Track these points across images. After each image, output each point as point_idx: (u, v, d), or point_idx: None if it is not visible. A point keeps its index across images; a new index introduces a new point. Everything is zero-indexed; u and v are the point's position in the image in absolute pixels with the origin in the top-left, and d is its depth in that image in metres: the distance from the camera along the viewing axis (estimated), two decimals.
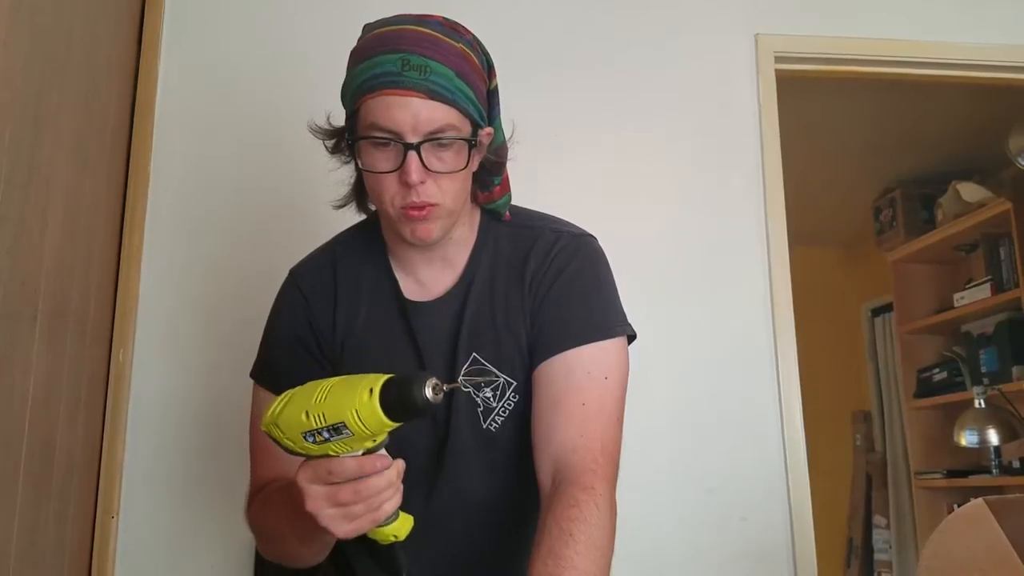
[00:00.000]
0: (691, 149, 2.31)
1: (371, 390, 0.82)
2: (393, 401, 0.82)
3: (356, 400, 0.83)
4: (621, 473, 1.11)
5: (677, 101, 2.33)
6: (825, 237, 4.75)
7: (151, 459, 1.99)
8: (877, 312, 4.76)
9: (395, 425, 0.84)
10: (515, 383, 1.15)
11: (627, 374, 1.15)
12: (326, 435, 0.85)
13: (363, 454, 0.87)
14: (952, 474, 3.83)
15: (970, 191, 3.79)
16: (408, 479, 1.17)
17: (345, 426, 0.84)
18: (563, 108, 2.28)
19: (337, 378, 0.88)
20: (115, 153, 2.00)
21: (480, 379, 1.16)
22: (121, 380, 1.99)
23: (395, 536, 0.93)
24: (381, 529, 0.92)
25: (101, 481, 1.93)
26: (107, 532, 1.91)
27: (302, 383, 1.16)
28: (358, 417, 0.83)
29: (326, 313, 1.19)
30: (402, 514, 0.93)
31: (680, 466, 2.14)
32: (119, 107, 2.02)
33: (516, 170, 1.25)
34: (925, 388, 4.08)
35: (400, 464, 0.90)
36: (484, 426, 1.16)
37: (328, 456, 0.88)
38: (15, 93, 1.37)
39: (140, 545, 1.93)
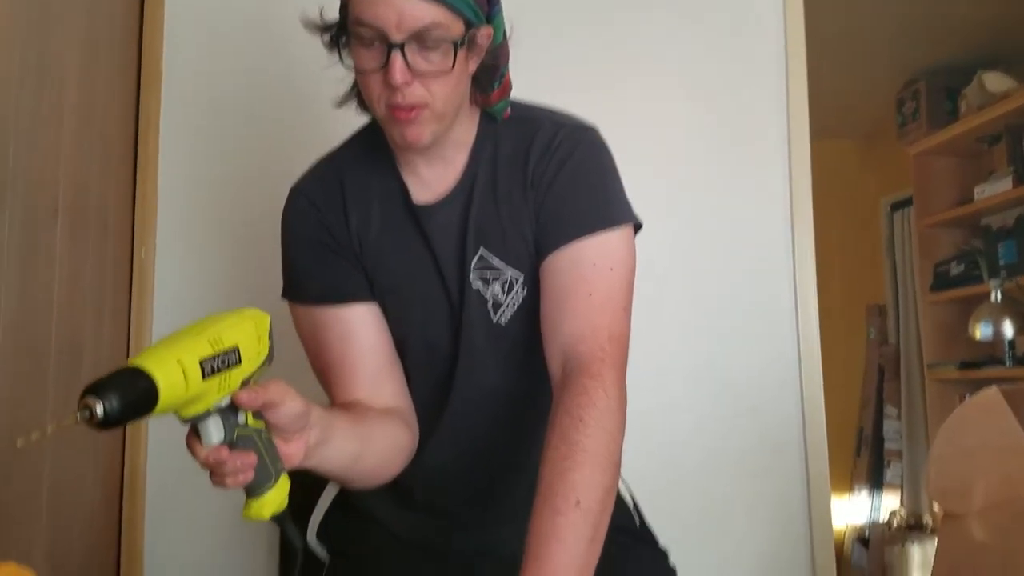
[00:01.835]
0: (711, 38, 2.25)
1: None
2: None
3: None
4: (634, 365, 1.12)
5: None
6: (846, 130, 4.68)
7: None
8: (896, 207, 4.72)
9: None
10: (522, 277, 1.16)
11: (634, 263, 1.15)
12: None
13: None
14: (965, 366, 3.86)
15: (995, 81, 3.70)
16: (431, 373, 1.21)
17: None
18: None
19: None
20: (126, 47, 1.97)
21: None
22: (145, 277, 2.00)
23: (260, 515, 0.88)
24: (249, 503, 0.88)
25: None
26: (138, 425, 1.96)
27: (334, 283, 1.18)
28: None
29: (338, 217, 1.18)
30: (266, 497, 0.87)
31: (693, 358, 2.17)
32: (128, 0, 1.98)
33: (522, 61, 1.21)
34: (942, 281, 4.08)
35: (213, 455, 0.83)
36: (494, 320, 1.17)
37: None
38: None
39: (171, 440, 1.97)
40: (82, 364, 1.63)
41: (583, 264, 1.10)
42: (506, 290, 1.16)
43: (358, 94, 1.15)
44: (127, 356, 1.96)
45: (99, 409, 0.69)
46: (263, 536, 1.91)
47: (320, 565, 1.30)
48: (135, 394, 0.71)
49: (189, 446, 0.84)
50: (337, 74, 1.14)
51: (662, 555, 1.33)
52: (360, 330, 1.17)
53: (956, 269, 4.00)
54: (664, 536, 1.35)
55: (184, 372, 0.75)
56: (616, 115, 2.06)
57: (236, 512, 1.92)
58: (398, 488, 1.20)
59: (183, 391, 0.75)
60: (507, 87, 1.18)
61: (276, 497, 0.88)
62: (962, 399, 3.61)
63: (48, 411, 1.44)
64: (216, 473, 0.84)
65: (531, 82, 1.35)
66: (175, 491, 1.97)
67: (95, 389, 0.70)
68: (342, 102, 1.18)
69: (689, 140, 2.23)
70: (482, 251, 1.15)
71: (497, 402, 1.21)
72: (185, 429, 0.84)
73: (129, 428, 1.95)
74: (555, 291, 1.11)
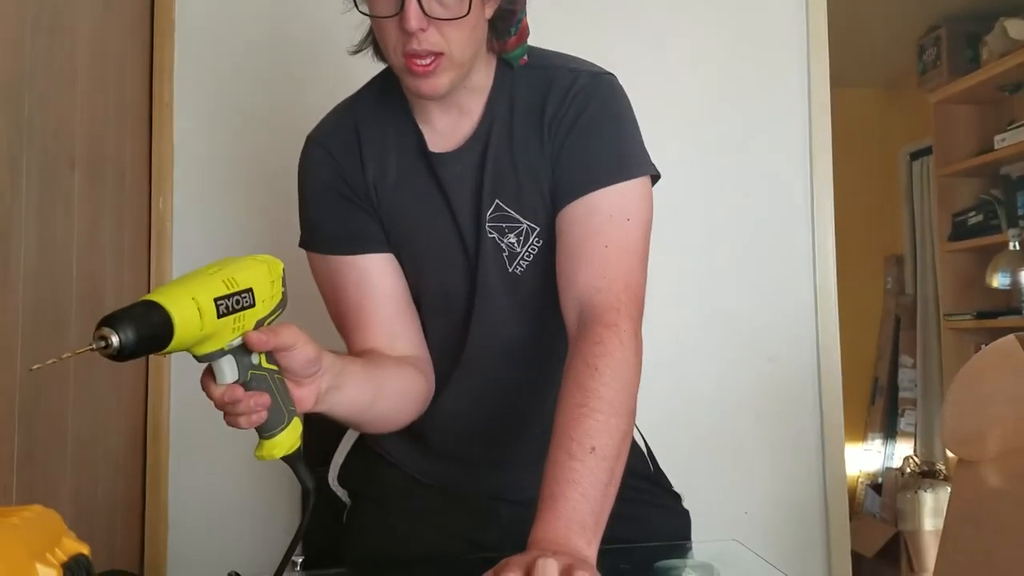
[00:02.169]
0: None
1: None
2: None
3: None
4: (650, 314, 1.12)
5: None
6: (866, 78, 4.61)
7: None
8: (916, 156, 4.68)
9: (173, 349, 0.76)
10: (538, 228, 1.16)
11: (650, 214, 1.15)
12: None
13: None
14: (982, 315, 3.85)
15: (1018, 28, 3.62)
16: (447, 321, 1.22)
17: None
18: None
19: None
20: None
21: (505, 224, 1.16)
22: (163, 228, 2.02)
23: (271, 455, 0.90)
24: (261, 443, 0.90)
25: None
26: (160, 370, 1.99)
27: (351, 233, 1.18)
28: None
29: (354, 167, 1.18)
30: (278, 438, 0.89)
31: (710, 306, 2.18)
32: None
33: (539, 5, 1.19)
34: (960, 231, 4.05)
35: (230, 393, 0.85)
36: (510, 270, 1.17)
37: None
38: None
39: (193, 383, 1.98)
40: (104, 310, 1.65)
41: (599, 215, 1.10)
42: (522, 241, 1.16)
43: (374, 42, 1.14)
44: None
45: (114, 340, 0.70)
46: (286, 479, 1.94)
47: (342, 507, 1.33)
48: (150, 328, 0.72)
49: (204, 386, 0.86)
50: (353, 20, 1.13)
51: (675, 499, 1.34)
52: (376, 279, 1.18)
53: (974, 218, 3.97)
54: (678, 482, 1.37)
55: (199, 309, 0.76)
56: (633, 63, 2.04)
57: None
58: (414, 433, 1.22)
59: (198, 328, 0.76)
60: (524, 33, 1.17)
61: (288, 438, 0.89)
62: (978, 348, 3.60)
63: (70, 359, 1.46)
64: (230, 413, 0.86)
65: (548, 27, 1.33)
66: (198, 436, 2.00)
67: (111, 321, 0.71)
68: (357, 49, 1.18)
69: (708, 88, 2.21)
70: (497, 203, 1.15)
71: (512, 351, 1.22)
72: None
73: (152, 374, 1.98)
74: (571, 242, 1.11)
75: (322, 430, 1.19)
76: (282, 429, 0.89)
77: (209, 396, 0.86)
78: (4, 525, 0.59)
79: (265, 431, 0.88)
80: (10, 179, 1.22)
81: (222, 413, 0.87)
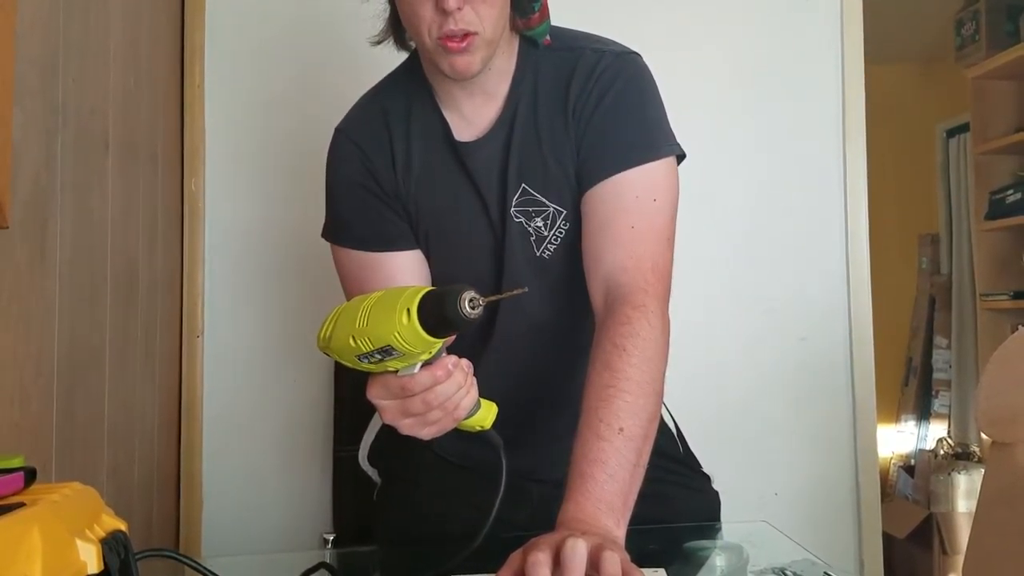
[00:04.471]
0: None
1: (408, 311, 0.80)
2: (432, 320, 0.80)
3: (396, 323, 0.80)
4: (681, 293, 1.12)
5: None
6: (902, 54, 4.53)
7: (231, 282, 2.07)
8: (952, 133, 4.60)
9: (442, 341, 0.84)
10: (565, 211, 1.16)
11: (677, 194, 1.14)
12: (379, 356, 0.84)
13: (423, 365, 0.87)
14: (1019, 295, 3.79)
15: None
16: None
17: (393, 348, 0.82)
18: None
19: (376, 295, 0.86)
20: None
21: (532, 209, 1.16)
22: (195, 209, 2.05)
23: (481, 427, 0.96)
24: (466, 422, 0.95)
25: (184, 303, 2.03)
26: (193, 351, 2.02)
27: (378, 231, 1.19)
28: (402, 339, 0.81)
29: (384, 160, 1.19)
30: (484, 403, 0.95)
31: (740, 284, 2.17)
32: None
33: None
34: (997, 210, 3.97)
35: (465, 364, 0.91)
36: (537, 254, 1.17)
37: (388, 372, 0.88)
38: None
39: (226, 363, 2.03)
40: (138, 289, 1.67)
41: (625, 196, 1.10)
42: (549, 224, 1.16)
43: (393, 31, 1.15)
44: (181, 283, 2.02)
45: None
46: (318, 455, 1.97)
47: (372, 486, 1.34)
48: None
49: (397, 388, 0.88)
50: (372, 9, 1.13)
51: (705, 480, 1.34)
52: (399, 276, 1.18)
53: (1013, 197, 3.89)
54: (708, 462, 1.36)
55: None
56: (663, 40, 2.03)
57: (290, 433, 1.98)
58: None
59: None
60: (546, 9, 1.16)
61: (488, 409, 0.97)
62: (1014, 329, 3.55)
63: (107, 333, 1.49)
64: (464, 387, 0.90)
65: (572, 3, 1.32)
66: (231, 413, 2.03)
67: (468, 292, 0.80)
68: (379, 40, 1.18)
69: (739, 64, 2.19)
70: (524, 187, 1.15)
71: (541, 333, 1.23)
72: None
73: (185, 351, 2.01)
74: (597, 223, 1.11)
75: (352, 410, 1.20)
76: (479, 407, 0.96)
77: (408, 395, 0.88)
78: (45, 502, 0.60)
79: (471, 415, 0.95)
80: (46, 159, 1.24)
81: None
